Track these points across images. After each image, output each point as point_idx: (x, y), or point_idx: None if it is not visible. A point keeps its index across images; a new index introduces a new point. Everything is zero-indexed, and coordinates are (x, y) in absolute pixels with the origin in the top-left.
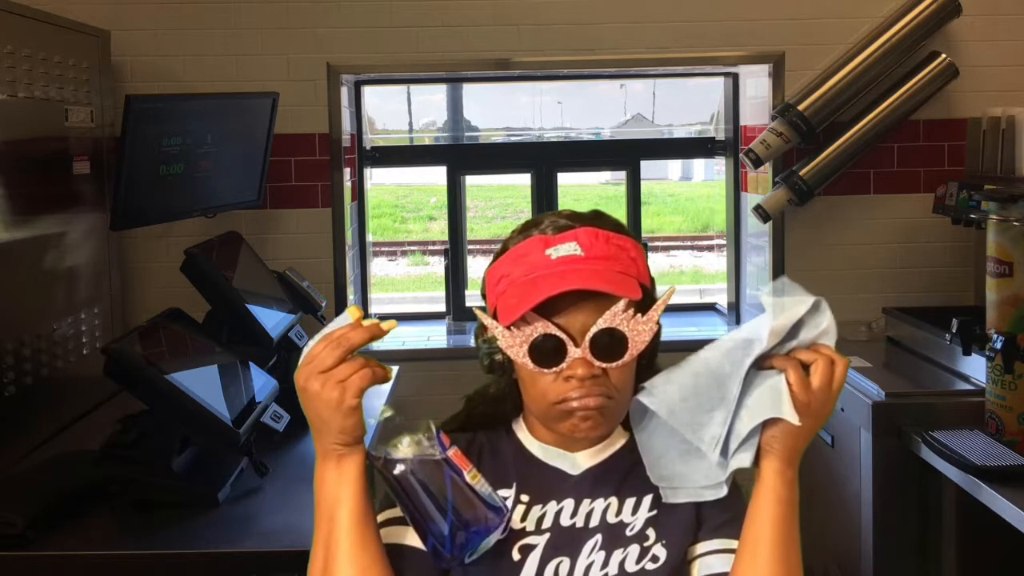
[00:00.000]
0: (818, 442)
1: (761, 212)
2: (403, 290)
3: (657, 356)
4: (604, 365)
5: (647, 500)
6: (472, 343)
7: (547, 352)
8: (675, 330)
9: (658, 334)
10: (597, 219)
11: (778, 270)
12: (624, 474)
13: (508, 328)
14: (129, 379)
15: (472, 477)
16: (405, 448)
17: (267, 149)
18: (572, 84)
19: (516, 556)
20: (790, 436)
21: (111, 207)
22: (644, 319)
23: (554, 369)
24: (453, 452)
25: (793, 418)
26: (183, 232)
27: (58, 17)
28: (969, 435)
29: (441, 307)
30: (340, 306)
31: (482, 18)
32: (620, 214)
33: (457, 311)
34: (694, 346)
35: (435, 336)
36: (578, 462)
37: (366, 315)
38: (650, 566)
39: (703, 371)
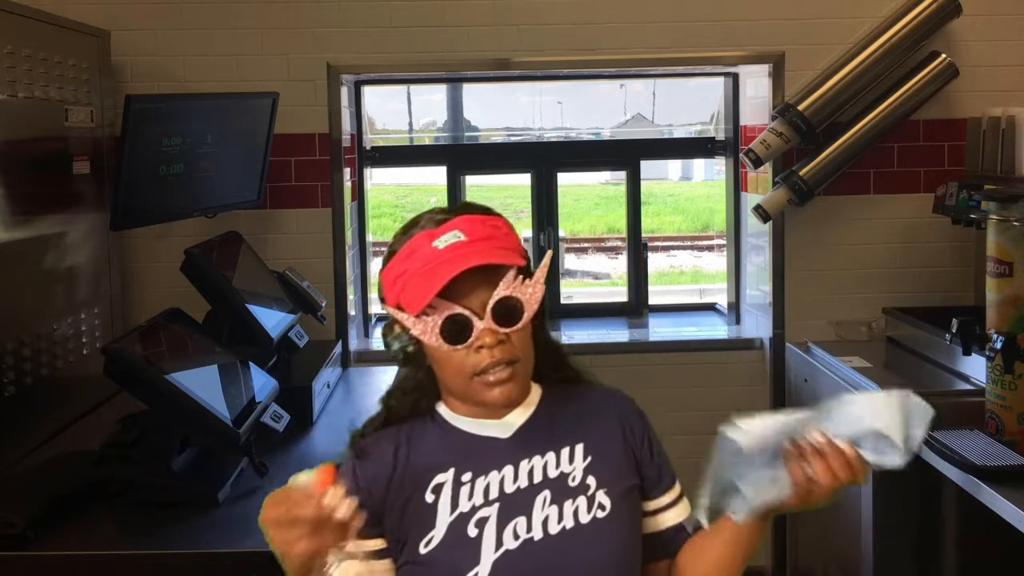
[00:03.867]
0: None
1: (761, 212)
2: None
3: (547, 318)
4: (507, 330)
5: (579, 448)
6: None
7: (456, 330)
8: (675, 330)
9: (545, 297)
10: (468, 208)
11: (778, 270)
12: (550, 426)
13: (418, 317)
14: (129, 379)
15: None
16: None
17: (267, 149)
18: (572, 84)
19: (473, 532)
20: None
21: (111, 207)
22: (532, 282)
23: (465, 344)
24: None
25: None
26: (183, 232)
27: (58, 17)
28: (969, 435)
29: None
30: (340, 306)
31: (482, 18)
32: (620, 214)
33: None
34: (694, 346)
35: None
36: (505, 425)
37: (367, 317)
38: (600, 514)
39: (783, 430)
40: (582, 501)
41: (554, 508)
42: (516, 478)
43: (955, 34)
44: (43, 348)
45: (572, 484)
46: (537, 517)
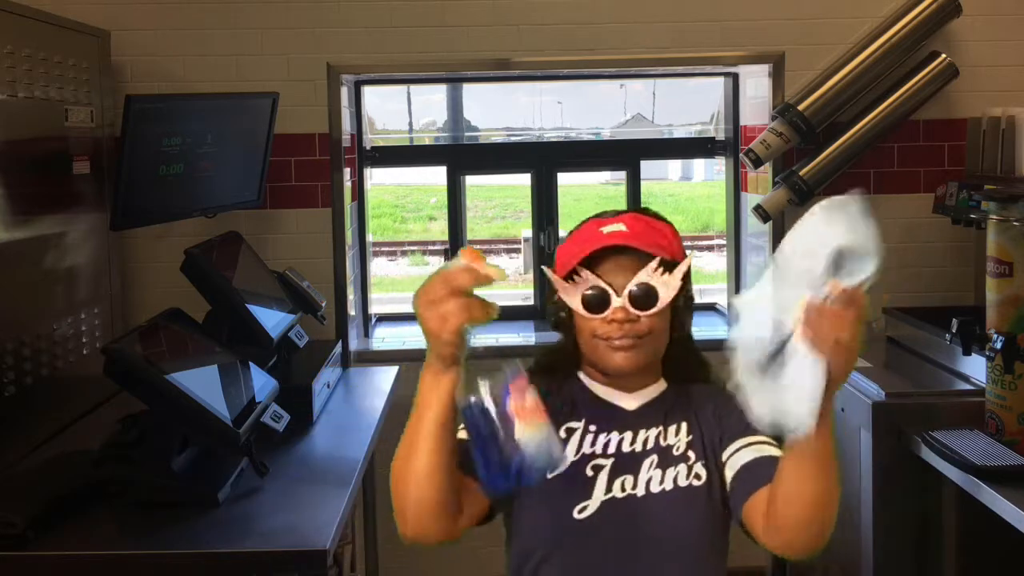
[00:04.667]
0: None
1: (761, 212)
2: (403, 290)
3: (691, 314)
4: (639, 313)
5: (684, 426)
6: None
7: (595, 301)
8: None
9: (690, 296)
10: (643, 210)
11: None
12: (668, 408)
13: (567, 282)
14: (129, 379)
15: (526, 429)
16: (481, 390)
17: (267, 149)
18: (572, 84)
19: (589, 473)
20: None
21: (111, 207)
22: (669, 277)
23: (600, 316)
24: (514, 406)
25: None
26: (183, 232)
27: (58, 17)
28: (969, 435)
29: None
30: (340, 306)
31: (482, 18)
32: None
33: None
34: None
35: None
36: (632, 401)
37: (368, 317)
38: (695, 483)
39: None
40: (682, 468)
41: (658, 471)
42: (633, 442)
43: (955, 34)
44: (43, 348)
45: (676, 454)
46: (643, 477)
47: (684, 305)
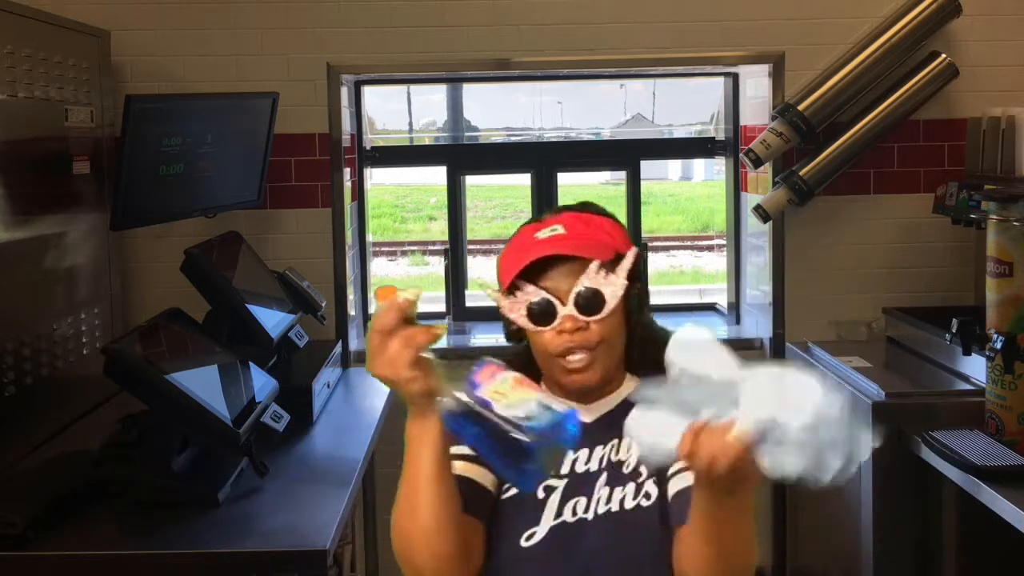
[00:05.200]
0: None
1: (761, 212)
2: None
3: (644, 312)
4: (587, 319)
5: None
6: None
7: (540, 313)
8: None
9: (642, 292)
10: (582, 207)
11: (778, 270)
12: (625, 416)
13: (510, 297)
14: (129, 379)
15: (509, 403)
16: (449, 391)
17: (267, 149)
18: (572, 84)
19: (540, 495)
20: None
21: (111, 207)
22: (613, 276)
23: (549, 327)
24: (486, 390)
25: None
26: (183, 232)
27: (58, 17)
28: (969, 435)
29: (441, 307)
30: (340, 306)
31: (482, 18)
32: (620, 214)
33: (457, 311)
34: None
35: None
36: (589, 413)
37: (368, 317)
38: (644, 503)
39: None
40: (631, 488)
41: (606, 491)
42: (588, 460)
43: (955, 34)
44: (43, 348)
45: (626, 471)
46: (595, 498)
47: (637, 301)
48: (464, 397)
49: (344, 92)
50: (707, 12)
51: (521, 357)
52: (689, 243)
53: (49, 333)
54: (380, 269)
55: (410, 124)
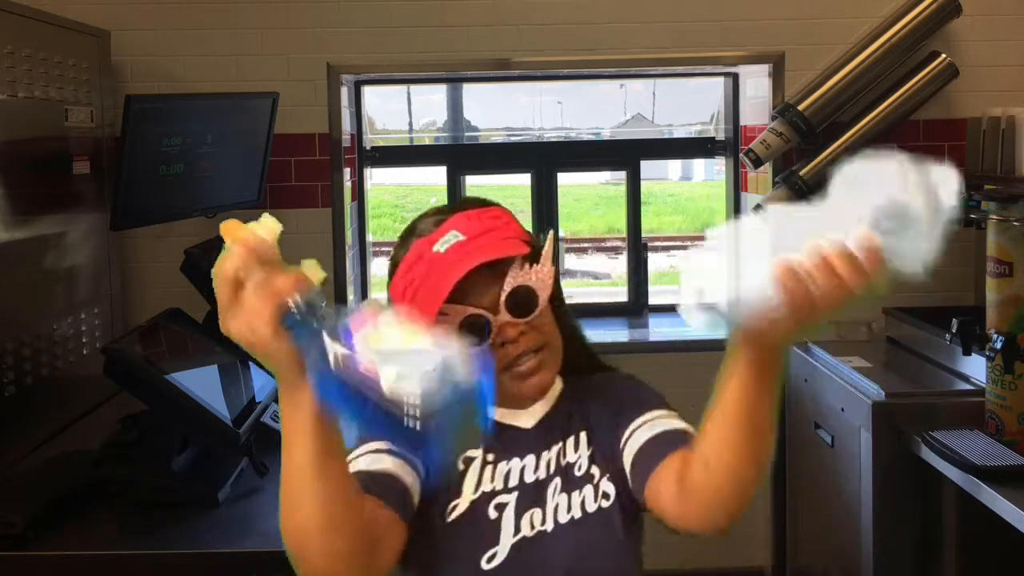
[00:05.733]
0: (818, 442)
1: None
2: None
3: (563, 296)
4: (525, 320)
5: (583, 437)
6: None
7: (475, 331)
8: (675, 330)
9: (557, 277)
10: (464, 204)
11: None
12: (565, 418)
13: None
14: (129, 379)
15: (387, 366)
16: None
17: (267, 149)
18: (572, 84)
19: (493, 514)
20: (764, 322)
21: (111, 207)
22: (540, 267)
23: (487, 343)
24: (362, 341)
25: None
26: (183, 232)
27: (58, 17)
28: (969, 435)
29: None
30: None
31: (482, 18)
32: (620, 214)
33: None
34: (694, 346)
35: None
36: (528, 418)
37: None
38: (604, 504)
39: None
40: (588, 491)
41: (563, 497)
42: (536, 468)
43: (955, 34)
44: (43, 348)
45: (578, 473)
46: (550, 507)
47: (558, 288)
48: (334, 354)
49: (344, 92)
50: (707, 12)
51: None
52: (689, 243)
53: (49, 333)
54: (380, 269)
55: (410, 124)
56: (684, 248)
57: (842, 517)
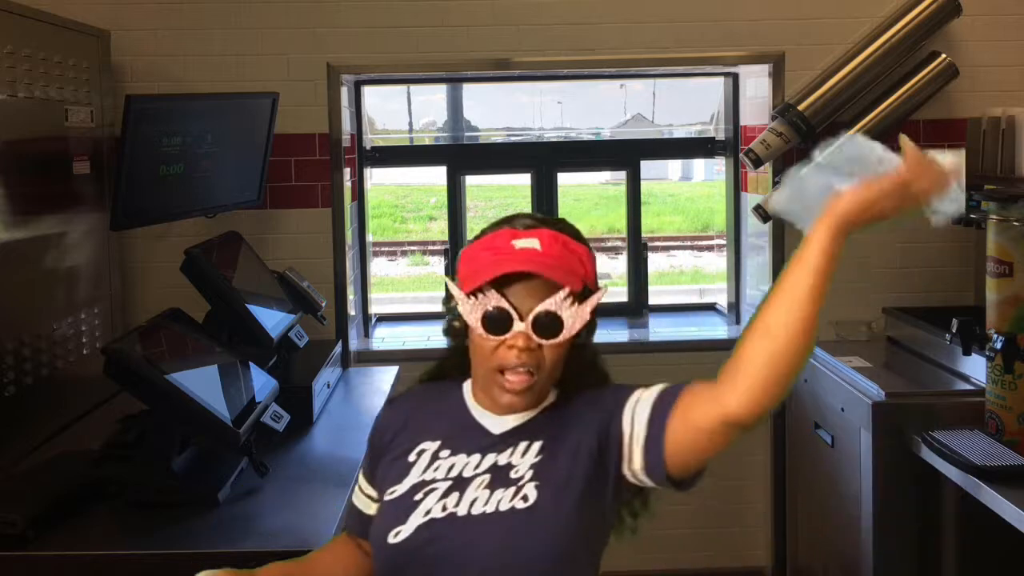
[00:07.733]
0: (818, 442)
1: (761, 212)
2: (403, 290)
3: (589, 348)
4: (541, 341)
5: (536, 446)
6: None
7: (496, 322)
8: (675, 330)
9: (592, 329)
10: (560, 225)
11: (778, 270)
12: (534, 430)
13: (468, 296)
14: (129, 379)
15: None
16: None
17: (267, 149)
18: (572, 84)
19: (418, 497)
20: (853, 203)
21: (111, 207)
22: (579, 307)
23: (500, 337)
24: None
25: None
26: (183, 232)
27: (58, 17)
28: (969, 435)
29: (441, 307)
30: (340, 306)
31: (482, 18)
32: (620, 214)
33: None
34: (694, 346)
35: (435, 336)
36: (500, 424)
37: (367, 317)
38: (520, 504)
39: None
40: (510, 491)
41: (485, 492)
42: (478, 466)
43: (955, 34)
44: (43, 348)
45: (512, 475)
46: (468, 496)
47: (586, 335)
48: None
49: (344, 92)
50: (707, 12)
51: (454, 356)
52: (689, 243)
53: (49, 333)
54: (380, 269)
55: (410, 124)
56: (684, 248)
57: (842, 517)
